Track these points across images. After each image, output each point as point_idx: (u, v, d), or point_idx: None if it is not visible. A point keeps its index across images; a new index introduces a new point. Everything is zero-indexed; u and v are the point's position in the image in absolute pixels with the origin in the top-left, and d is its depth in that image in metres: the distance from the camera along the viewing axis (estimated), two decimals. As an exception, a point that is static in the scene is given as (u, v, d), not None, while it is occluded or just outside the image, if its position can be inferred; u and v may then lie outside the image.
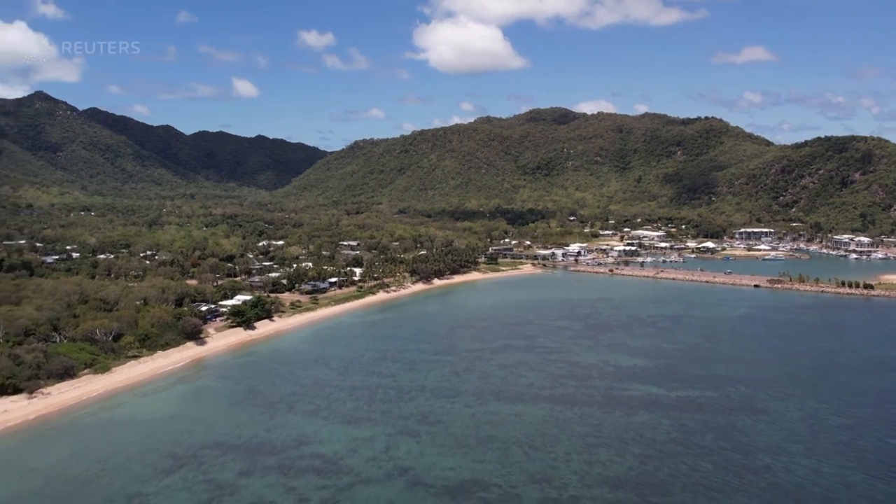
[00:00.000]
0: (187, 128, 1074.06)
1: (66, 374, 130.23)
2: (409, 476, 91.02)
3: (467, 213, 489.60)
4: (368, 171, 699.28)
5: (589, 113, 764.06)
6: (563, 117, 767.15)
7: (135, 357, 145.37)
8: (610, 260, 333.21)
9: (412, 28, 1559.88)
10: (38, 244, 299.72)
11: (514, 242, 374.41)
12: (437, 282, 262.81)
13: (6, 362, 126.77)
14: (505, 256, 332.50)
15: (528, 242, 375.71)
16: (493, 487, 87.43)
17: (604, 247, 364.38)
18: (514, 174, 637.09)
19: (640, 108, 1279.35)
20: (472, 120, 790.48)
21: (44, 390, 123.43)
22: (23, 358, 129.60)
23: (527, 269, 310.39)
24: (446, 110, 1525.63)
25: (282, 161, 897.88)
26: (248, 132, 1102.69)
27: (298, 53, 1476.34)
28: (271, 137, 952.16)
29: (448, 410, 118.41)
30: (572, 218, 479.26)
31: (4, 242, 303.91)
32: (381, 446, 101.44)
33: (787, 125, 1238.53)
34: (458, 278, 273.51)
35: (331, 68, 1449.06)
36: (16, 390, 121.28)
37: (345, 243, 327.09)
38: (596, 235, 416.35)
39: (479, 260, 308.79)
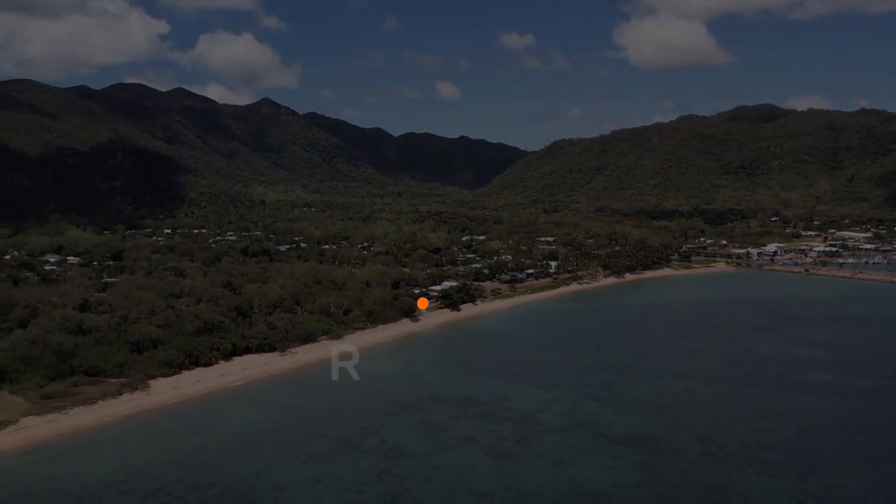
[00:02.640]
0: (395, 129, 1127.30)
1: (308, 338, 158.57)
2: (589, 428, 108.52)
3: (664, 213, 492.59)
4: (567, 170, 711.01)
5: (799, 109, 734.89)
6: (771, 114, 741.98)
7: (361, 328, 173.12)
8: (808, 260, 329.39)
9: (612, 27, 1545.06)
10: (271, 235, 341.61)
11: (709, 241, 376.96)
12: (628, 276, 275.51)
13: (263, 327, 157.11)
14: (698, 255, 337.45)
15: (723, 242, 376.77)
16: (661, 441, 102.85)
17: (803, 247, 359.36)
18: (715, 173, 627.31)
19: (859, 103, 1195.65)
20: (673, 118, 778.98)
21: (291, 350, 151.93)
22: (275, 324, 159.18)
23: (719, 267, 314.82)
24: (647, 108, 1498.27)
25: (483, 161, 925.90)
26: (451, 133, 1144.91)
27: (499, 55, 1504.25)
28: (473, 138, 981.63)
29: (628, 383, 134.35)
30: (774, 218, 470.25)
31: (243, 233, 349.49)
32: (567, 406, 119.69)
33: None
34: (648, 273, 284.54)
35: (531, 69, 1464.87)
36: (271, 349, 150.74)
37: (541, 239, 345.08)
38: (797, 236, 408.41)
39: (672, 257, 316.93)
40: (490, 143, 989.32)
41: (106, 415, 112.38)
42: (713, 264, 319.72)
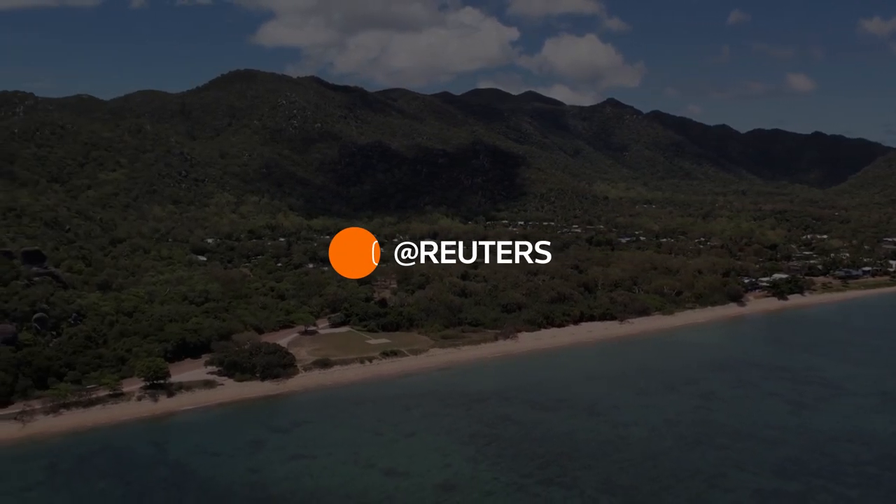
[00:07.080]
0: (741, 126, 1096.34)
1: (643, 312, 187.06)
2: (887, 396, 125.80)
3: None
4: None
5: None
6: None
7: (690, 308, 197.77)
8: None
9: None
10: (613, 228, 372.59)
11: None
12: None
13: (605, 301, 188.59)
14: None
15: None
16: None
17: None
18: None
19: None
20: None
21: (629, 321, 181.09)
22: (615, 299, 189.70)
23: None
24: None
25: (838, 158, 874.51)
26: (804, 129, 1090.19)
27: (859, 43, 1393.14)
28: (828, 133, 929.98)
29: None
30: None
31: (587, 226, 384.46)
32: (871, 379, 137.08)
33: None
34: None
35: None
36: (612, 318, 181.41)
37: (888, 239, 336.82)
38: None
39: None
40: (848, 138, 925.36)
41: (487, 352, 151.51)
42: None
